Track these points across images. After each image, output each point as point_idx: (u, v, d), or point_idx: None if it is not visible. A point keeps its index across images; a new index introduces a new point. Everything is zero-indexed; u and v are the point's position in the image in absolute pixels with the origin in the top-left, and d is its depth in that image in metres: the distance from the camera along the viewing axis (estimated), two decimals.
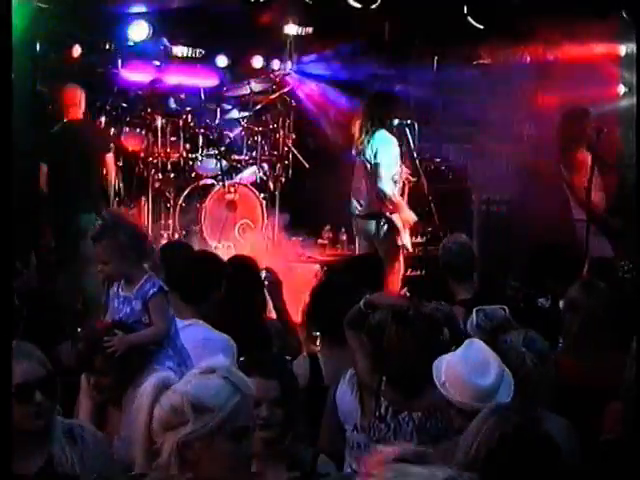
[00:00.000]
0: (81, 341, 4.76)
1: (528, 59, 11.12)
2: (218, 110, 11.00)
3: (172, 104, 10.83)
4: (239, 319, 5.52)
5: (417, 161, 9.38)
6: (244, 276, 5.84)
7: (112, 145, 9.63)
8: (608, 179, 9.16)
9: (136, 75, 10.66)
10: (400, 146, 8.69)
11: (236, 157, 10.92)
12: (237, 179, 10.75)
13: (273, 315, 6.25)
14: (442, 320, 4.56)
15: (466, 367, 3.87)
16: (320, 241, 10.47)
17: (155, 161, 10.55)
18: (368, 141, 8.49)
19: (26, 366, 3.53)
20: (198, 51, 11.02)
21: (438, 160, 10.99)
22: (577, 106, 9.54)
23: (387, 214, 8.57)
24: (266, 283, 6.05)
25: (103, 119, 10.26)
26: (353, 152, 8.76)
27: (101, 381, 4.61)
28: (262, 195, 10.68)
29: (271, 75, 11.37)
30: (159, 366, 4.68)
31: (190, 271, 5.39)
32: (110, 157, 9.45)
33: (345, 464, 4.47)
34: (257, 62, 11.34)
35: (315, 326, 5.30)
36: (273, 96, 11.11)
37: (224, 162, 10.68)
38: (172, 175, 10.74)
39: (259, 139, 10.89)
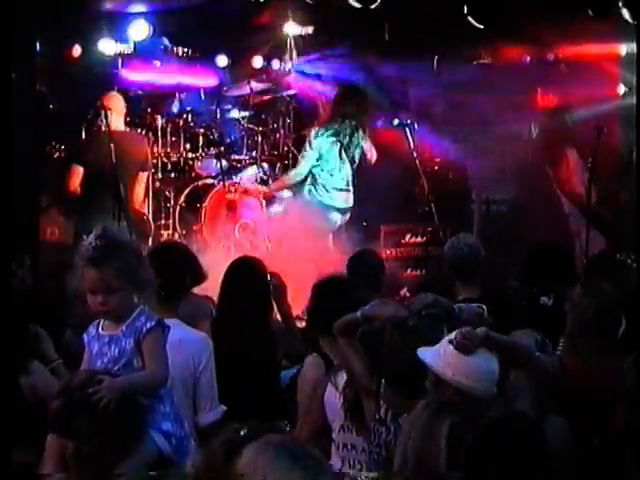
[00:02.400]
0: (57, 398, 3.73)
1: (528, 59, 11.13)
2: (218, 110, 11.00)
3: (173, 106, 10.83)
4: (245, 321, 5.47)
5: (417, 161, 9.40)
6: (250, 278, 5.78)
7: (150, 164, 9.55)
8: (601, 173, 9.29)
9: (136, 75, 10.66)
10: None
11: (236, 157, 10.91)
12: (237, 179, 10.75)
13: (277, 317, 6.23)
14: (442, 316, 4.54)
15: (476, 354, 3.97)
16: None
17: (155, 161, 10.55)
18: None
19: None
20: (198, 51, 11.01)
21: (438, 160, 11.00)
22: (561, 104, 9.75)
23: None
24: (270, 287, 5.99)
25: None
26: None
27: (82, 449, 3.61)
28: (262, 195, 10.68)
29: (271, 75, 11.37)
30: (153, 430, 3.86)
31: (162, 269, 4.94)
32: (143, 176, 9.33)
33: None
34: (257, 62, 11.33)
35: (317, 325, 5.24)
36: (273, 96, 11.11)
37: (224, 162, 10.68)
38: (172, 175, 10.74)
39: (259, 139, 10.89)
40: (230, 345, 5.09)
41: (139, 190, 9.34)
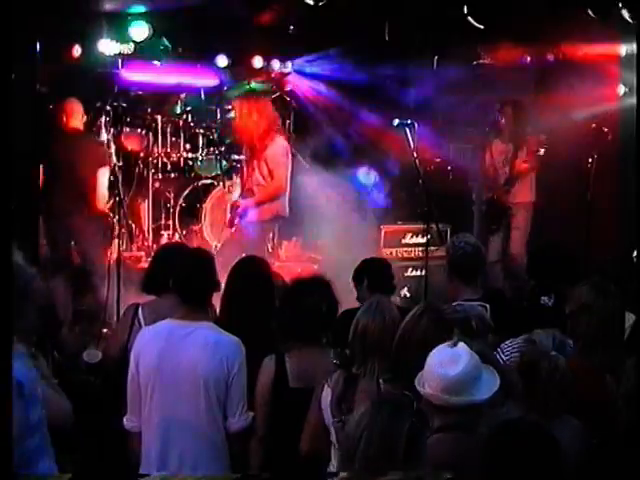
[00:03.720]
0: None
1: (528, 59, 11.12)
2: (218, 110, 10.99)
3: (173, 106, 10.83)
4: (248, 321, 5.44)
5: (417, 161, 9.39)
6: (254, 277, 5.75)
7: (109, 159, 9.39)
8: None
9: (136, 75, 10.65)
10: None
11: (236, 157, 10.91)
12: (237, 179, 10.74)
13: None
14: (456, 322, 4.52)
15: (436, 359, 3.90)
16: (320, 241, 10.45)
17: (155, 161, 10.56)
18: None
19: None
20: (198, 51, 11.00)
21: (438, 160, 10.99)
22: (504, 98, 10.05)
23: None
24: (274, 287, 5.95)
25: (103, 119, 10.24)
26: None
27: None
28: None
29: (271, 75, 11.37)
30: None
31: (191, 273, 5.17)
32: (103, 172, 9.20)
33: (330, 464, 4.50)
34: (257, 62, 11.32)
35: (283, 328, 5.20)
36: (273, 96, 11.11)
37: (224, 162, 10.68)
38: (172, 175, 10.74)
39: None
40: None
41: (101, 191, 9.25)
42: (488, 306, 5.23)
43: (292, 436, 4.86)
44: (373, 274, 6.30)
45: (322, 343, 5.10)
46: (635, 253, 7.62)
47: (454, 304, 5.06)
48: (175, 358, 4.93)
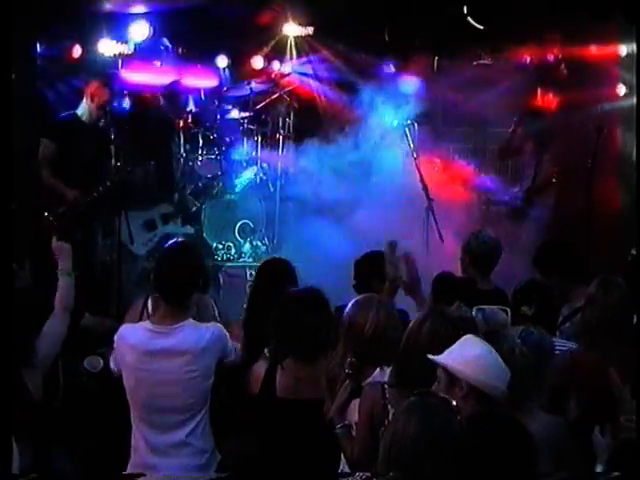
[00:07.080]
0: None
1: (528, 59, 11.12)
2: (218, 110, 11.00)
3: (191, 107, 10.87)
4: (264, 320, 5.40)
5: (417, 161, 9.41)
6: (283, 280, 5.66)
7: None
8: None
9: (136, 75, 10.65)
10: None
11: (236, 157, 10.92)
12: (237, 179, 10.75)
13: None
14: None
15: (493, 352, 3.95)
16: (320, 241, 10.45)
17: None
18: None
19: None
20: (198, 51, 11.00)
21: (438, 160, 10.99)
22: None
23: None
24: None
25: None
26: None
27: None
28: (262, 195, 10.69)
29: (271, 75, 11.37)
30: None
31: (170, 272, 5.03)
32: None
33: (341, 465, 4.50)
34: (257, 62, 11.32)
35: (282, 344, 5.11)
36: (273, 96, 11.11)
37: (224, 162, 10.69)
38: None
39: (259, 139, 10.89)
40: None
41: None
42: (509, 310, 5.20)
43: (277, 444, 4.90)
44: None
45: (318, 360, 4.99)
46: (634, 251, 7.61)
47: (476, 308, 4.98)
48: (154, 376, 4.92)
